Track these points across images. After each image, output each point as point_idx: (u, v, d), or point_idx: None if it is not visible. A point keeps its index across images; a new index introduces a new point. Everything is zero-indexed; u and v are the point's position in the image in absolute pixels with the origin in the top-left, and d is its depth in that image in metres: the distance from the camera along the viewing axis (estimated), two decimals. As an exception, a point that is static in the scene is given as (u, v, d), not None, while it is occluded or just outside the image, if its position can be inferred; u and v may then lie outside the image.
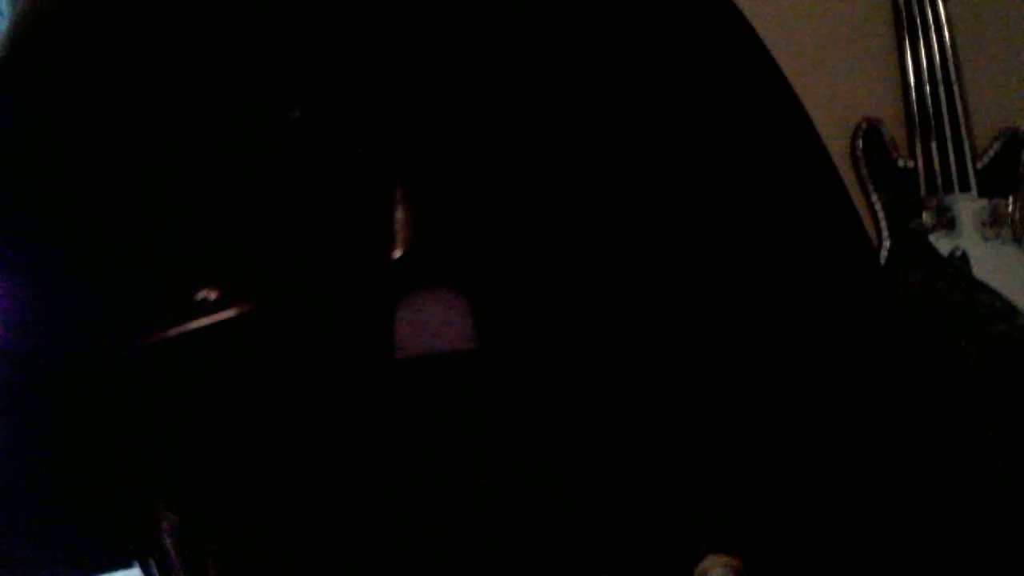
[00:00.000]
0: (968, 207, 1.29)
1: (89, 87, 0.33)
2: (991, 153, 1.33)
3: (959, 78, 1.35)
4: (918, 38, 1.37)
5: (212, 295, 0.32)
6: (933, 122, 1.33)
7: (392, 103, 0.31)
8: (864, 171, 1.29)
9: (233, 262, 0.32)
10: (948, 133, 1.32)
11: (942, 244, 1.27)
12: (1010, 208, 1.30)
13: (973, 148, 1.32)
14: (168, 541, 0.33)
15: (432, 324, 0.30)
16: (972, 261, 1.24)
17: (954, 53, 1.36)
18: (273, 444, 0.32)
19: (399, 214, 0.30)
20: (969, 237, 1.28)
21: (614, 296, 0.30)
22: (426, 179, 0.31)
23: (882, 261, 1.22)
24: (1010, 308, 1.22)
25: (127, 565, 0.37)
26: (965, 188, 1.30)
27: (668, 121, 0.33)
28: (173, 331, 0.32)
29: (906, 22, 1.37)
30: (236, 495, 0.32)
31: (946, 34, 1.36)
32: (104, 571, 0.37)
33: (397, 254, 0.30)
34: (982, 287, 1.21)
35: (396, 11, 0.32)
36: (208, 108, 0.32)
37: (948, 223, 1.28)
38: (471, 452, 0.30)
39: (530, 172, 0.31)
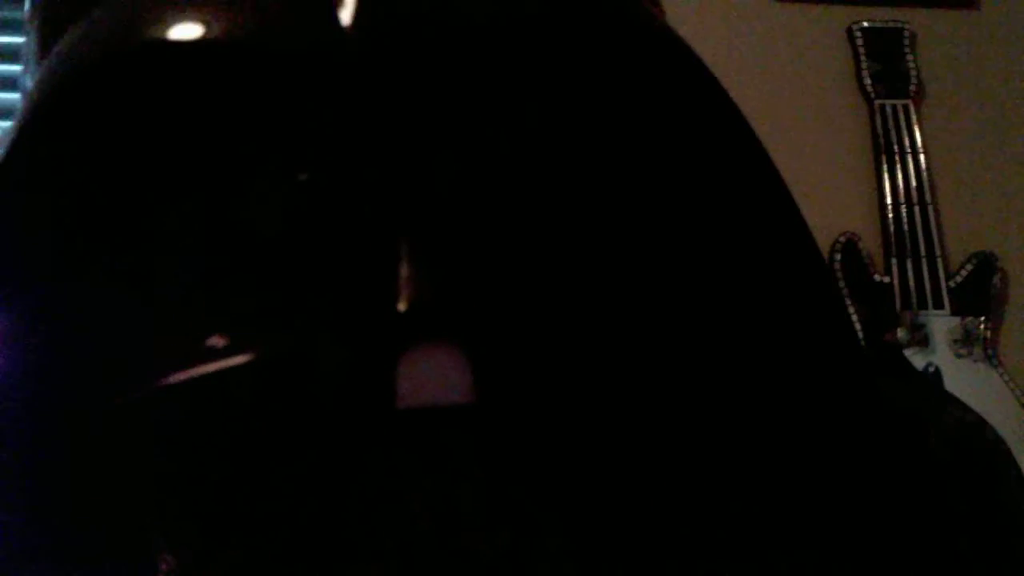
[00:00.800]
0: (941, 324, 1.33)
1: (106, 142, 0.35)
2: (963, 273, 1.37)
3: (934, 200, 1.40)
4: (895, 161, 1.42)
5: (220, 342, 0.33)
6: (908, 241, 1.37)
7: (399, 159, 0.33)
8: (842, 284, 1.33)
9: (242, 311, 0.34)
10: (923, 252, 1.36)
11: (916, 359, 1.29)
12: (982, 327, 1.33)
13: (947, 268, 1.36)
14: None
15: (434, 377, 0.31)
16: (944, 377, 1.27)
17: (929, 177, 1.41)
18: (272, 490, 0.33)
19: (404, 268, 0.31)
20: (942, 354, 1.31)
21: (615, 361, 0.31)
22: (431, 234, 0.32)
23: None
24: (980, 422, 1.24)
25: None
26: (939, 306, 1.34)
27: (680, 208, 0.34)
28: (179, 376, 0.33)
29: (883, 146, 1.43)
30: (234, 538, 0.33)
31: (921, 158, 1.42)
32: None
33: (401, 308, 0.31)
34: (953, 401, 1.22)
35: (399, 79, 0.34)
36: (218, 163, 0.34)
37: (922, 339, 1.31)
38: (466, 511, 0.31)
39: (537, 230, 0.33)
